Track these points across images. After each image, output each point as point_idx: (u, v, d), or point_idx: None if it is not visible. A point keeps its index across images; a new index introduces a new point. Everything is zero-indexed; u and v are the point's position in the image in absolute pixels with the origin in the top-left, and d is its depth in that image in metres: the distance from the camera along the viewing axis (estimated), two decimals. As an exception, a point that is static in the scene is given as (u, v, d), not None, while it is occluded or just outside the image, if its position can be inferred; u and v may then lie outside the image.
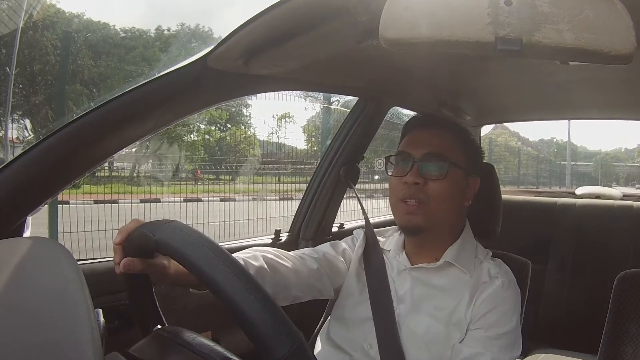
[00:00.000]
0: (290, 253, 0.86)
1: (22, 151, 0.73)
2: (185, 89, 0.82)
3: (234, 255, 0.75)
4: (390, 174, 0.87)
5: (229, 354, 0.50)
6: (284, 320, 0.42)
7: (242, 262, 0.75)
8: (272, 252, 0.82)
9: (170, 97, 0.81)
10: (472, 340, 0.78)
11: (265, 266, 0.77)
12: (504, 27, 0.48)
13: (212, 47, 0.78)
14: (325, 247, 0.93)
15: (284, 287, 0.80)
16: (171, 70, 0.80)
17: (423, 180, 0.81)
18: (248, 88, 0.95)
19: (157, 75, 0.80)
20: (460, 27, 0.49)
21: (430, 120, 0.90)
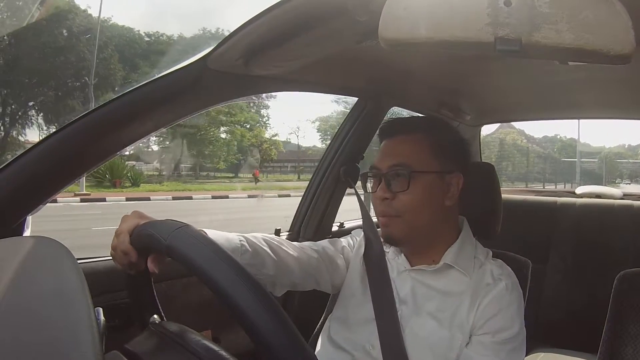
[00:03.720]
0: (292, 243, 0.87)
1: (23, 151, 0.73)
2: (185, 90, 0.82)
3: (235, 234, 0.76)
4: (367, 190, 0.88)
5: (226, 354, 0.50)
6: (298, 339, 0.43)
7: (245, 241, 0.76)
8: (275, 238, 0.83)
9: (170, 97, 0.81)
10: (481, 347, 0.78)
11: (268, 249, 0.78)
12: (503, 28, 0.48)
13: (212, 47, 0.78)
14: (324, 243, 0.93)
15: (284, 272, 0.80)
16: (171, 70, 0.81)
17: (391, 194, 0.81)
18: (248, 89, 0.95)
19: (157, 76, 0.80)
20: (460, 28, 0.49)
21: (396, 127, 0.87)
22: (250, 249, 0.75)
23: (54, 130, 0.76)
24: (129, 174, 13.80)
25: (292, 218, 1.41)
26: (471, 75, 1.21)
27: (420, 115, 1.37)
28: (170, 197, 11.63)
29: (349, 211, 1.47)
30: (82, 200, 10.46)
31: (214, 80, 0.84)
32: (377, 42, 0.53)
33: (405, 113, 1.49)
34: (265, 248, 0.78)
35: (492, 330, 0.78)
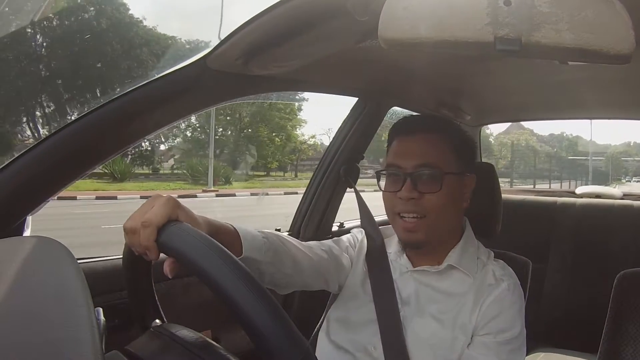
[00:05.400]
0: (301, 242, 0.85)
1: (23, 151, 0.73)
2: (185, 89, 0.82)
3: (255, 230, 0.73)
4: (382, 188, 0.84)
5: (226, 354, 0.50)
6: (292, 330, 0.42)
7: (266, 238, 0.72)
8: (288, 236, 0.81)
9: (170, 97, 0.81)
10: (483, 348, 0.78)
11: (286, 248, 0.76)
12: (503, 27, 0.48)
13: (211, 47, 0.78)
14: (330, 243, 0.91)
15: (298, 271, 0.78)
16: (171, 70, 0.81)
17: (418, 194, 0.78)
18: (248, 88, 0.95)
19: (157, 76, 0.80)
20: (460, 27, 0.49)
21: (417, 125, 0.86)
22: (272, 247, 0.73)
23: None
24: (221, 173, 15.24)
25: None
26: (471, 75, 1.21)
27: (420, 114, 1.37)
28: (282, 192, 12.80)
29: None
30: (217, 195, 11.83)
31: (213, 80, 0.84)
32: (377, 42, 0.53)
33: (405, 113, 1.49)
34: (283, 246, 0.75)
35: (494, 331, 0.78)
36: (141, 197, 10.15)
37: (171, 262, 0.55)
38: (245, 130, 17.30)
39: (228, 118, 17.10)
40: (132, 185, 12.83)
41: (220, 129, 17.50)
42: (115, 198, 9.87)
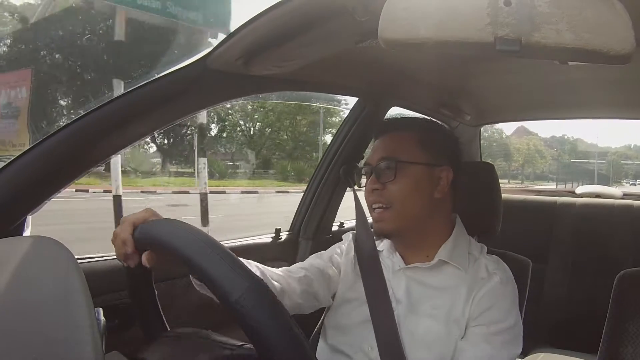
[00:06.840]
0: (281, 269, 0.88)
1: (23, 150, 0.73)
2: (185, 89, 0.82)
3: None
4: (359, 185, 0.93)
5: (228, 340, 0.51)
6: (238, 265, 0.45)
7: (247, 263, 0.74)
8: (263, 265, 0.83)
9: (170, 97, 0.81)
10: (475, 338, 0.78)
11: (265, 274, 0.79)
12: (503, 28, 0.48)
13: (212, 47, 0.78)
14: (311, 259, 0.94)
15: (283, 292, 0.81)
16: (171, 70, 0.81)
17: (381, 185, 0.84)
18: (248, 89, 0.95)
19: (157, 76, 0.80)
20: (460, 28, 0.49)
21: (385, 127, 0.92)
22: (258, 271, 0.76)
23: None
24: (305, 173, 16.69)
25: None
26: (471, 75, 1.21)
27: (418, 115, 1.38)
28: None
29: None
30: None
31: (214, 80, 0.84)
32: (377, 43, 0.53)
33: (405, 113, 1.49)
34: (261, 272, 0.79)
35: (486, 322, 0.78)
36: (276, 192, 12.46)
37: (148, 252, 0.58)
38: (302, 135, 18.70)
39: (287, 122, 18.35)
40: (245, 182, 15.35)
41: (276, 133, 18.80)
42: (256, 192, 12.79)
